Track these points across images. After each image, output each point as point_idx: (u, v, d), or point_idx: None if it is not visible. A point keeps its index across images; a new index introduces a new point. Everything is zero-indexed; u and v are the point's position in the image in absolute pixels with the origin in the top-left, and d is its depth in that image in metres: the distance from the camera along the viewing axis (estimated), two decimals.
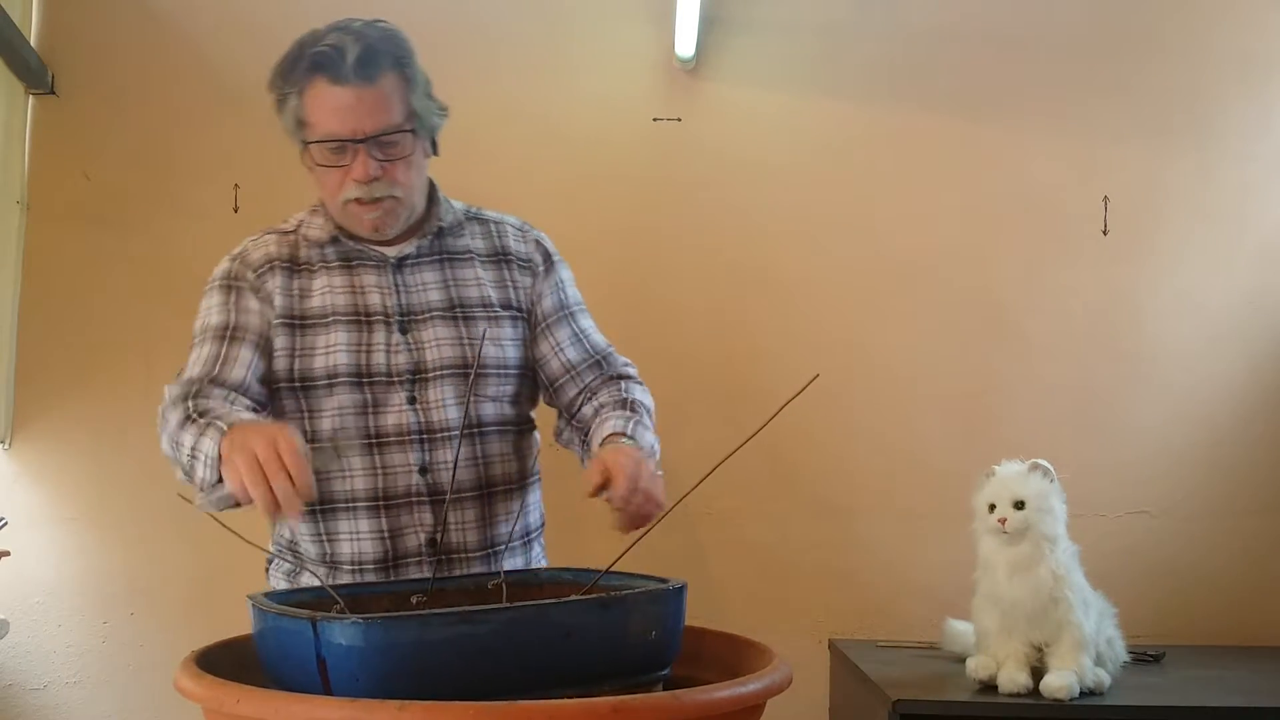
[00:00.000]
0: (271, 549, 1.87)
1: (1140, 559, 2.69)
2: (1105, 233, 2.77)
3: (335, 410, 1.75)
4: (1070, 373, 2.74)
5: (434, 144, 1.82)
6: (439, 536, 1.74)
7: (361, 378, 1.75)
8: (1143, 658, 2.37)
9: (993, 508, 1.99)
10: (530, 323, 1.87)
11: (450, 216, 1.86)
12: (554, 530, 1.97)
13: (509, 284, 1.86)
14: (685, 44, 2.66)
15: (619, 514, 1.61)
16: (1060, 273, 2.76)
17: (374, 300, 1.78)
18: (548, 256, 1.91)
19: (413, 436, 1.75)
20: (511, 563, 1.83)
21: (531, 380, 1.89)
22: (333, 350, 1.75)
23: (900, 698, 2.01)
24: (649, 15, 2.75)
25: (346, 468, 1.75)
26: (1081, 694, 1.98)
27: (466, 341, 1.79)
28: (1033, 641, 2.00)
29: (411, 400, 1.76)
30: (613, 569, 1.47)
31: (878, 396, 2.74)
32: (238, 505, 1.52)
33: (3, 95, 2.60)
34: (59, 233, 2.72)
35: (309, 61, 1.70)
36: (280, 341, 1.76)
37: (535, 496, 1.92)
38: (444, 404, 1.76)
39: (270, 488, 1.42)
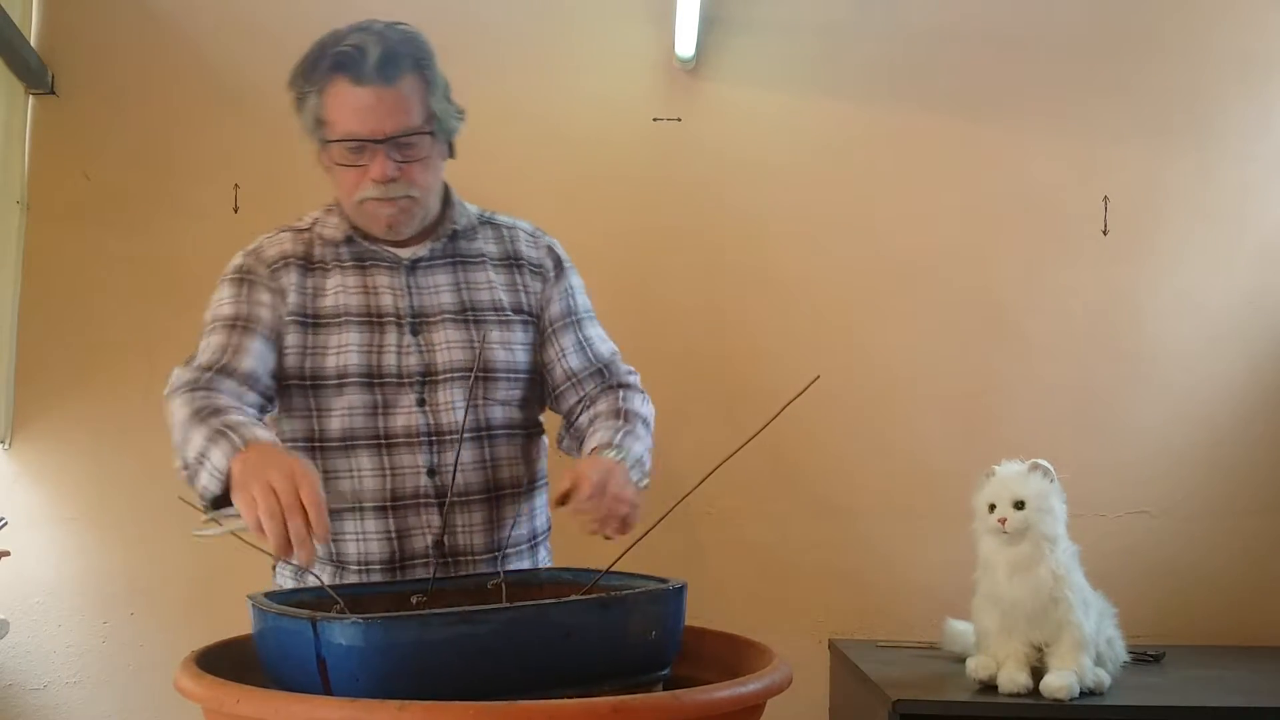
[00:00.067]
0: None
1: (1140, 559, 2.69)
2: (1105, 233, 2.77)
3: (345, 410, 1.75)
4: (1070, 373, 2.74)
5: (451, 147, 1.82)
6: (445, 539, 1.75)
7: (372, 378, 1.75)
8: (1143, 658, 2.37)
9: (993, 508, 1.99)
10: (538, 328, 1.88)
11: (464, 220, 1.86)
12: (557, 532, 1.97)
13: (520, 288, 1.86)
14: (685, 44, 2.66)
15: (587, 518, 1.60)
16: (1060, 273, 2.76)
17: (386, 301, 1.79)
18: (558, 263, 1.91)
19: (421, 438, 1.75)
20: (518, 566, 1.83)
21: (540, 385, 1.90)
22: (344, 350, 1.75)
23: (900, 698, 2.01)
24: (649, 15, 2.75)
25: (355, 468, 1.75)
26: (1081, 694, 1.98)
27: (477, 345, 1.79)
28: (1033, 641, 2.00)
29: (421, 402, 1.76)
30: (613, 569, 1.47)
31: (878, 396, 2.74)
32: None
33: (3, 95, 2.60)
34: (59, 233, 2.72)
35: (331, 61, 1.71)
36: (292, 339, 1.76)
37: (542, 500, 1.92)
38: (453, 406, 1.76)
39: (286, 527, 1.40)
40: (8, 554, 2.46)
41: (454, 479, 1.74)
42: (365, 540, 1.76)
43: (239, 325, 1.74)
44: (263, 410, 1.75)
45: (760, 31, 2.78)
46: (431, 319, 1.79)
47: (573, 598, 1.35)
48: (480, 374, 1.78)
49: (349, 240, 1.81)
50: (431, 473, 1.75)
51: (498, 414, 1.81)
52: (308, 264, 1.80)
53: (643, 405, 1.87)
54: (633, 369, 1.93)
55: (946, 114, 2.78)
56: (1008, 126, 2.78)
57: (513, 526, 1.82)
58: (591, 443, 1.76)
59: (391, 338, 1.77)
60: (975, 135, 2.78)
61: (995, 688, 2.02)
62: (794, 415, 1.48)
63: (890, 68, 2.79)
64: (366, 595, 1.51)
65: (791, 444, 2.68)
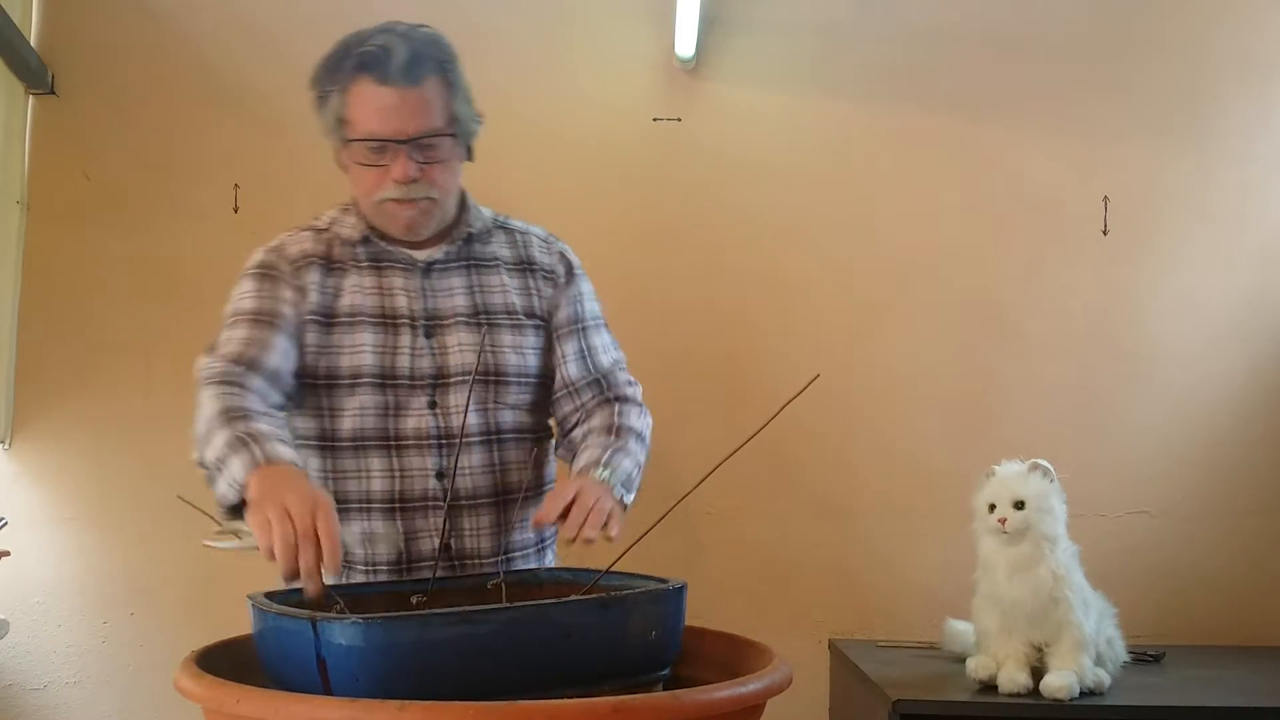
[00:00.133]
0: None
1: (1140, 559, 2.69)
2: (1105, 233, 2.77)
3: (357, 410, 1.75)
4: (1070, 373, 2.74)
5: (469, 150, 1.83)
6: (450, 541, 1.75)
7: (385, 380, 1.75)
8: (1143, 658, 2.37)
9: (993, 508, 1.99)
10: (547, 333, 1.88)
11: (479, 223, 1.87)
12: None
13: (533, 292, 1.87)
14: (685, 44, 2.66)
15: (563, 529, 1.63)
16: (1060, 273, 2.76)
17: (400, 303, 1.79)
18: (570, 268, 1.91)
19: (431, 441, 1.75)
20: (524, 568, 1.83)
21: (550, 389, 1.90)
22: (358, 350, 1.75)
23: (900, 698, 2.01)
24: (649, 15, 2.75)
25: (364, 468, 1.76)
26: (1081, 694, 1.98)
27: (489, 348, 1.80)
28: (1033, 641, 2.00)
29: (432, 405, 1.76)
30: (613, 569, 1.47)
31: (878, 396, 2.74)
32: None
33: (3, 95, 2.60)
34: (59, 233, 2.72)
35: (356, 60, 1.71)
36: (310, 338, 1.76)
37: None
38: (463, 410, 1.76)
39: (297, 556, 1.38)
40: (8, 554, 2.46)
41: (451, 483, 1.74)
42: (373, 541, 1.76)
43: (263, 320, 1.73)
44: (283, 409, 1.74)
45: (760, 31, 2.78)
46: (445, 322, 1.79)
47: (573, 598, 1.35)
48: (491, 378, 1.79)
49: (365, 240, 1.81)
50: (440, 475, 1.75)
51: (508, 418, 1.81)
52: (329, 263, 1.80)
53: (638, 419, 1.86)
54: (633, 380, 1.92)
55: (946, 114, 2.78)
56: (1008, 126, 2.78)
57: (523, 530, 1.82)
58: (581, 460, 1.76)
59: (405, 339, 1.77)
60: (975, 135, 2.78)
61: (995, 688, 2.02)
62: (794, 415, 1.48)
63: (890, 68, 2.79)
64: (367, 595, 1.51)
65: (791, 444, 2.68)
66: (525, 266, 1.88)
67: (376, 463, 1.75)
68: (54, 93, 2.73)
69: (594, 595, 1.30)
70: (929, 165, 2.78)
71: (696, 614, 1.44)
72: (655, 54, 2.77)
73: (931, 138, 2.78)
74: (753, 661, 1.39)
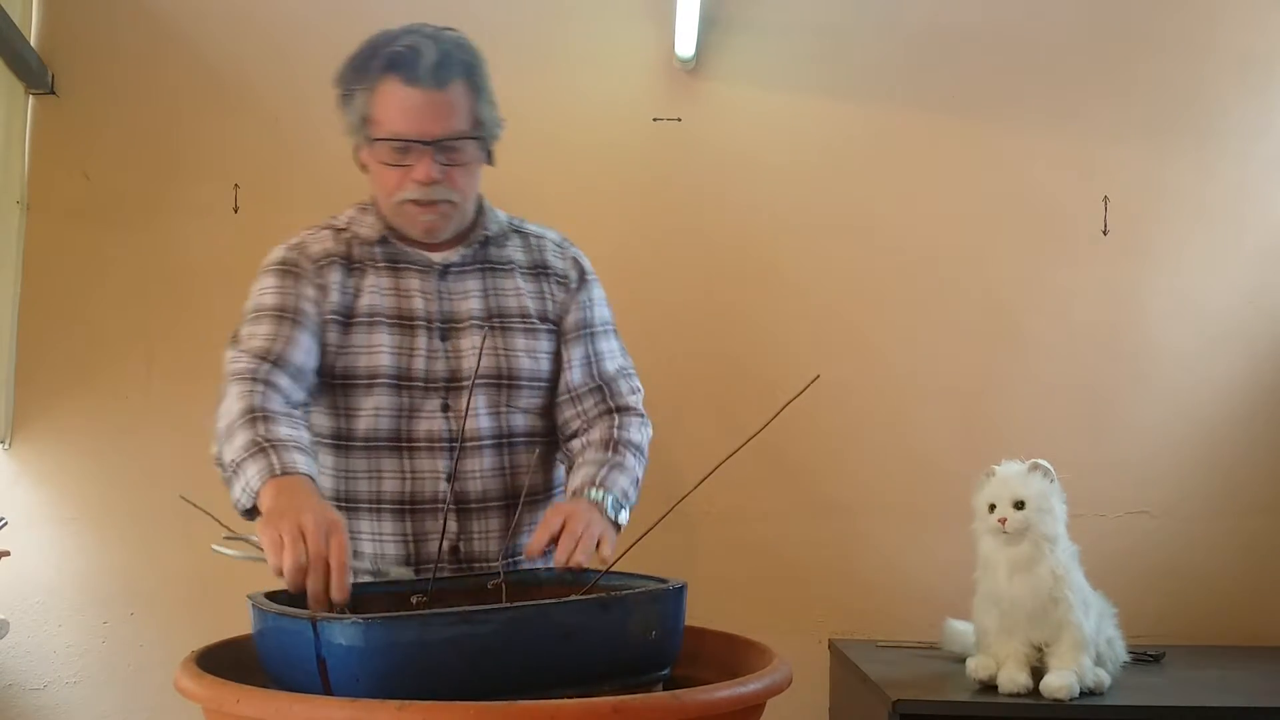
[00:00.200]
0: None
1: (1140, 559, 2.69)
2: (1105, 233, 2.77)
3: (372, 410, 1.75)
4: (1070, 373, 2.74)
5: (490, 154, 1.83)
6: (459, 544, 1.76)
7: (401, 381, 1.76)
8: (1143, 658, 2.37)
9: (993, 508, 1.99)
10: (558, 337, 1.88)
11: (495, 227, 1.87)
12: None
13: (546, 296, 1.87)
14: (685, 44, 2.66)
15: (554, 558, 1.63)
16: (1060, 273, 2.76)
17: (417, 305, 1.79)
18: (582, 274, 1.91)
19: (442, 443, 1.76)
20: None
21: None
22: (376, 351, 1.75)
23: (900, 698, 2.01)
24: (649, 15, 2.75)
25: (376, 469, 1.76)
26: (1081, 694, 1.98)
27: (503, 352, 1.80)
28: (1033, 641, 2.00)
29: (445, 407, 1.76)
30: (613, 569, 1.47)
31: (878, 396, 2.74)
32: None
33: (3, 95, 2.60)
34: (59, 233, 2.72)
35: (384, 60, 1.71)
36: (330, 337, 1.76)
37: None
38: (476, 413, 1.77)
39: (305, 579, 1.38)
40: (8, 554, 2.46)
41: (452, 486, 1.74)
42: (381, 541, 1.76)
43: (287, 317, 1.73)
44: (306, 406, 1.73)
45: (760, 31, 2.78)
46: (460, 324, 1.79)
47: (573, 598, 1.35)
48: (504, 382, 1.79)
49: (383, 241, 1.81)
50: (450, 478, 1.76)
51: (519, 421, 1.81)
52: (349, 263, 1.80)
53: (638, 432, 1.87)
54: (637, 388, 1.92)
55: (946, 114, 2.78)
56: (1007, 126, 2.78)
57: (532, 534, 1.82)
58: (576, 480, 1.77)
59: (421, 341, 1.77)
60: (975, 135, 2.78)
61: (995, 688, 2.02)
62: (794, 415, 1.48)
63: (890, 68, 2.79)
64: (367, 595, 1.51)
65: (791, 443, 2.68)
66: (539, 271, 1.88)
67: (388, 464, 1.76)
68: (54, 93, 2.73)
69: (594, 595, 1.30)
70: (929, 165, 2.78)
71: (696, 614, 1.44)
72: (655, 54, 2.77)
73: (931, 138, 2.78)
74: (753, 661, 1.39)
